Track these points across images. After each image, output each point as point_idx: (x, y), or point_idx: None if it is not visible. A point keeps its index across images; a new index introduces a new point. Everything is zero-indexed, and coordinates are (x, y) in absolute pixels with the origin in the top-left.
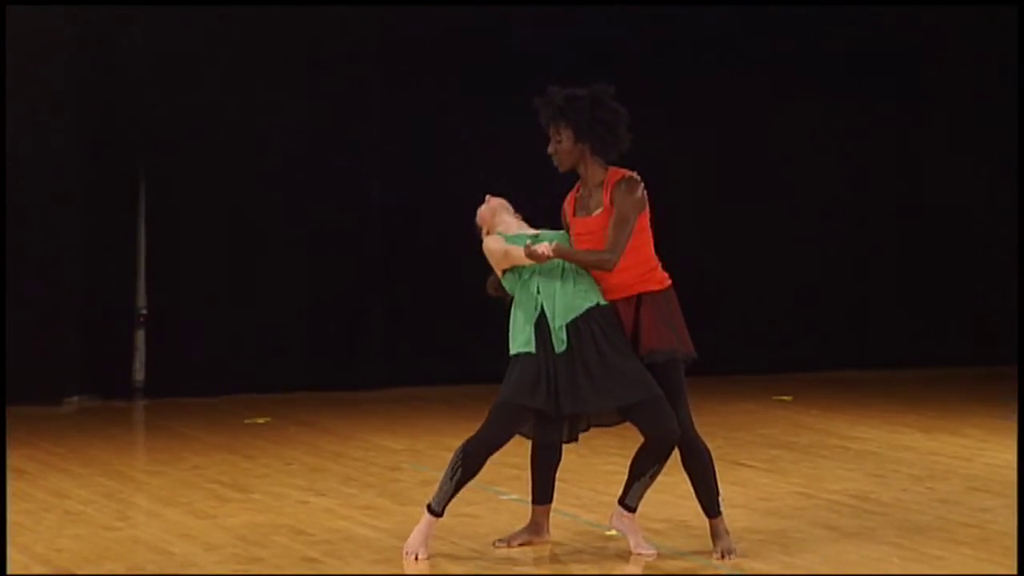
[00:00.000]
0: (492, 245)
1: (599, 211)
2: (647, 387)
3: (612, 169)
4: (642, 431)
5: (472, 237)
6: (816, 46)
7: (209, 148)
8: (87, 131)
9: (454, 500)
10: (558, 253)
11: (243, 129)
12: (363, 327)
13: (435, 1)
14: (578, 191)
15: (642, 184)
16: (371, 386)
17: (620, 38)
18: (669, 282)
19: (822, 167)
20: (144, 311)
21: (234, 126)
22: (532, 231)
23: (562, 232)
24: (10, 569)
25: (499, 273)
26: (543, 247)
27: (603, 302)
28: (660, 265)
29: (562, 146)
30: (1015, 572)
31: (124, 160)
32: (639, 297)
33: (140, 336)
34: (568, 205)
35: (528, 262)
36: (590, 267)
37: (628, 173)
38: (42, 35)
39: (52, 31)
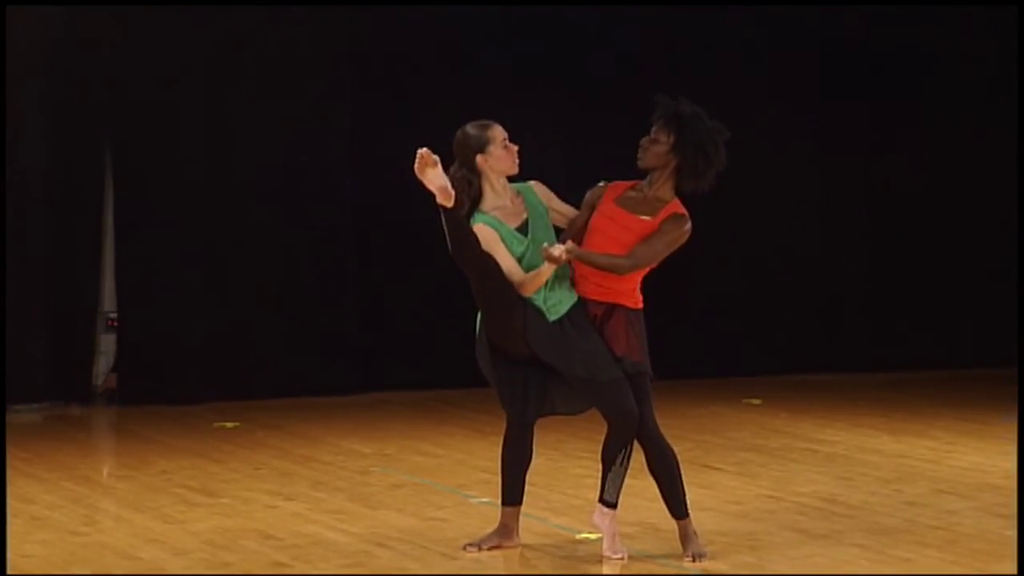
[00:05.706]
0: (529, 282)
1: (645, 218)
2: (610, 368)
3: (678, 199)
4: (603, 414)
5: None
6: (794, 48)
7: (180, 149)
8: (54, 129)
9: (423, 504)
10: (573, 255)
11: (215, 130)
12: (334, 332)
13: (406, 2)
14: (633, 188)
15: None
16: (341, 391)
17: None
18: (642, 305)
19: (793, 168)
20: (113, 315)
21: (206, 127)
22: (512, 223)
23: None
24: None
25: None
26: (559, 250)
27: (576, 301)
28: (640, 289)
29: (657, 147)
30: (1015, 573)
31: (91, 159)
32: (612, 307)
33: (109, 340)
34: (613, 189)
35: (551, 271)
36: (602, 269)
37: (685, 212)
38: (7, 27)
39: (17, 22)
